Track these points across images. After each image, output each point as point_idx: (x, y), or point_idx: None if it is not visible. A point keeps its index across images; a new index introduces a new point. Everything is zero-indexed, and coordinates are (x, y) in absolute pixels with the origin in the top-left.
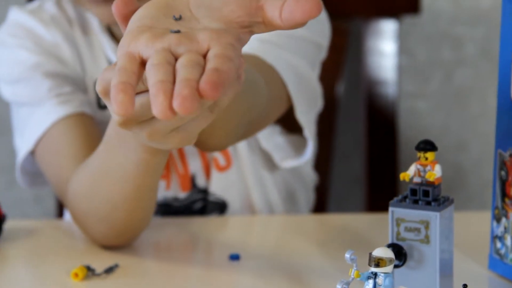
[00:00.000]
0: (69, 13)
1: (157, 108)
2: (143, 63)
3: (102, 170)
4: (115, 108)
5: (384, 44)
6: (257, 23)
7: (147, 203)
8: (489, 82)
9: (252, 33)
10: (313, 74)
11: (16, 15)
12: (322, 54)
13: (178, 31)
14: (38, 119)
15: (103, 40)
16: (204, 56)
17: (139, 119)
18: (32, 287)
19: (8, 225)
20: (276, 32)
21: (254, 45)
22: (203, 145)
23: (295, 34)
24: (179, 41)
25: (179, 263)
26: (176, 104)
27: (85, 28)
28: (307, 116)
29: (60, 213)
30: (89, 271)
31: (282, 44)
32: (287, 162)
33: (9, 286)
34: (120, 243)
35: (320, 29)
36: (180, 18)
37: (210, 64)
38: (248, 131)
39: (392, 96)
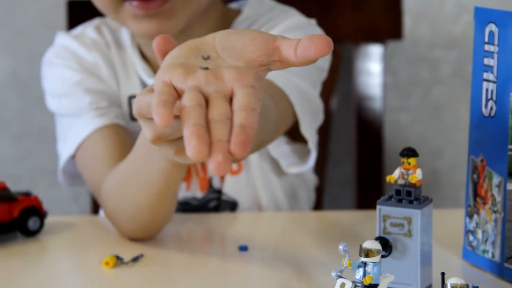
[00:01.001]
0: (106, 37)
1: (191, 150)
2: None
3: (130, 175)
4: (157, 120)
5: (371, 65)
6: (274, 61)
7: (169, 205)
8: (461, 99)
9: (269, 70)
10: (315, 93)
11: (62, 39)
12: (324, 75)
13: (206, 68)
14: (78, 128)
15: (135, 59)
16: (230, 96)
17: (169, 138)
18: (69, 273)
19: (48, 220)
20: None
21: (284, 83)
22: None
23: None
24: (207, 80)
25: (196, 253)
26: (211, 167)
27: (120, 50)
28: (310, 130)
29: (95, 210)
30: (118, 260)
31: (289, 69)
32: (293, 168)
33: (49, 273)
34: (145, 237)
35: (324, 58)
36: (208, 57)
37: (237, 119)
38: (258, 147)
39: (378, 110)
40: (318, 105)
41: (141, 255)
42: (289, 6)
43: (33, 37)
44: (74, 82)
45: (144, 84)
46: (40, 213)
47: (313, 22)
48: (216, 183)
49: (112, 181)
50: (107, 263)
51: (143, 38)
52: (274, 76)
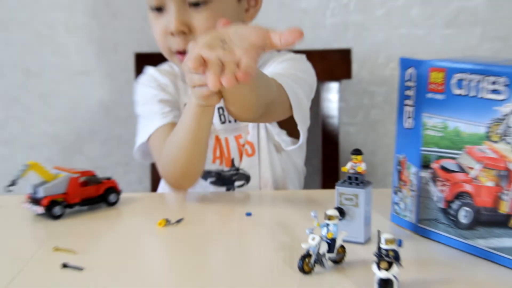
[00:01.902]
0: (174, 69)
1: (212, 81)
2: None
3: (176, 131)
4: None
5: (331, 95)
6: (267, 45)
7: (199, 153)
8: (390, 117)
9: (264, 50)
10: (305, 101)
11: (148, 70)
12: (312, 93)
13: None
14: (150, 125)
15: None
16: (238, 64)
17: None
18: (136, 230)
19: (122, 196)
20: (288, 73)
21: (274, 75)
22: (239, 117)
23: (298, 75)
24: (224, 53)
25: (218, 216)
26: (224, 80)
27: (183, 79)
28: (300, 116)
29: (153, 189)
30: (167, 222)
31: (290, 78)
32: (288, 147)
33: (123, 229)
34: (184, 183)
35: (312, 78)
36: (225, 42)
37: (243, 67)
38: (264, 114)
39: (336, 124)
40: (307, 110)
41: (182, 219)
42: None
43: (115, 76)
44: (151, 96)
45: None
46: (117, 191)
47: (303, 56)
48: (236, 163)
49: (166, 142)
50: (160, 224)
51: None
52: (279, 78)
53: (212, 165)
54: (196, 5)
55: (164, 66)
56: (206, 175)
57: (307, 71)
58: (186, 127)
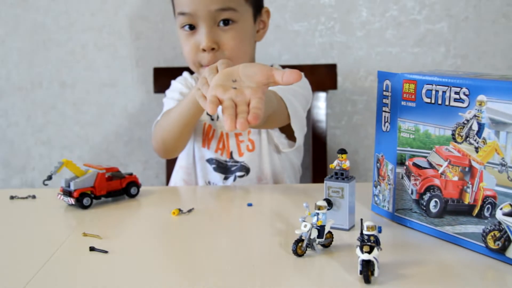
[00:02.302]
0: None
1: (228, 125)
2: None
3: (173, 109)
4: (208, 109)
5: (320, 103)
6: (271, 82)
7: (186, 134)
8: (370, 122)
9: (268, 86)
10: (302, 112)
11: (184, 74)
12: (308, 104)
13: (235, 88)
14: (166, 106)
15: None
16: (248, 103)
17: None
18: (153, 218)
19: (142, 189)
20: (287, 87)
21: (275, 89)
22: None
23: (296, 89)
24: (236, 94)
25: (222, 206)
26: (238, 124)
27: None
28: (297, 125)
29: (167, 183)
30: (180, 211)
31: (289, 92)
32: (285, 149)
33: (143, 218)
34: (162, 153)
35: (308, 92)
36: (235, 80)
37: (251, 112)
38: (265, 122)
39: (324, 128)
40: (303, 117)
41: (193, 208)
42: None
43: (137, 87)
44: (177, 88)
45: None
46: (137, 184)
47: (302, 73)
48: (235, 156)
49: (163, 115)
50: (173, 213)
51: None
52: (279, 92)
53: (215, 154)
54: (224, 25)
55: (189, 74)
56: (209, 160)
57: (304, 86)
58: (179, 110)
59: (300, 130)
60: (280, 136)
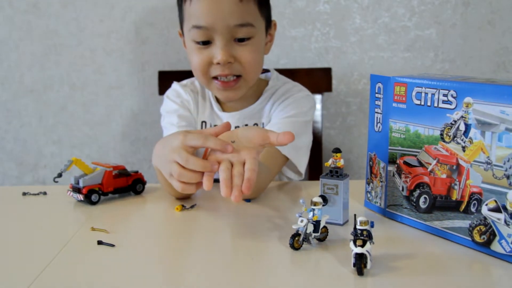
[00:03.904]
0: (196, 86)
1: (224, 192)
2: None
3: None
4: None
5: (316, 105)
6: (266, 143)
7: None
8: (362, 122)
9: (264, 147)
10: (306, 149)
11: (174, 85)
12: (312, 120)
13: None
14: (166, 134)
15: (212, 100)
16: (243, 162)
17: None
18: (157, 213)
19: (147, 186)
20: (290, 127)
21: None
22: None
23: (299, 120)
24: (233, 155)
25: (223, 203)
26: (232, 197)
27: (203, 94)
28: (302, 166)
29: None
30: (183, 207)
31: (292, 144)
32: (293, 178)
33: (148, 212)
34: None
35: (312, 111)
36: (233, 141)
37: (246, 174)
38: (259, 190)
39: (319, 128)
40: (306, 154)
41: (195, 204)
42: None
43: (143, 89)
44: (173, 110)
45: (214, 114)
46: (142, 182)
47: (305, 93)
48: None
49: None
50: (177, 208)
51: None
52: (284, 151)
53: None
54: (241, 40)
55: (187, 82)
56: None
57: (308, 110)
58: (162, 180)
59: (304, 161)
60: (287, 171)
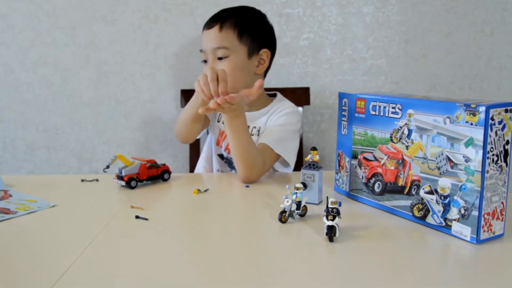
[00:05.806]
0: None
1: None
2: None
3: (184, 109)
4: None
5: None
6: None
7: (193, 124)
8: (333, 128)
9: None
10: (294, 145)
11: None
12: (300, 131)
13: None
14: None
15: None
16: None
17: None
18: (180, 194)
19: (172, 175)
20: (281, 128)
21: (271, 142)
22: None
23: (290, 128)
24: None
25: (228, 187)
26: (218, 101)
27: None
28: (290, 158)
29: (191, 171)
30: (199, 191)
31: (279, 136)
32: (280, 169)
33: (173, 194)
34: (185, 141)
35: (299, 123)
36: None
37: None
38: (251, 165)
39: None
40: (295, 148)
41: (208, 189)
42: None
43: (169, 104)
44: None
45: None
46: (169, 172)
47: (294, 109)
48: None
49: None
50: (194, 192)
51: None
52: (270, 143)
53: (224, 151)
54: (220, 58)
55: None
56: (220, 155)
57: (296, 122)
58: (186, 107)
59: (293, 159)
60: (282, 168)
